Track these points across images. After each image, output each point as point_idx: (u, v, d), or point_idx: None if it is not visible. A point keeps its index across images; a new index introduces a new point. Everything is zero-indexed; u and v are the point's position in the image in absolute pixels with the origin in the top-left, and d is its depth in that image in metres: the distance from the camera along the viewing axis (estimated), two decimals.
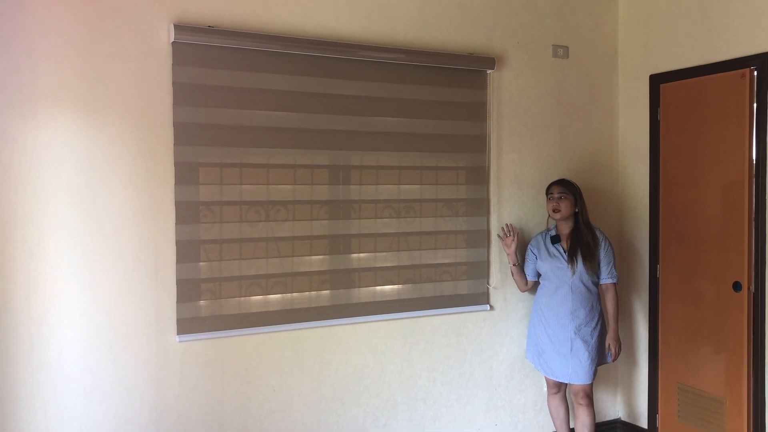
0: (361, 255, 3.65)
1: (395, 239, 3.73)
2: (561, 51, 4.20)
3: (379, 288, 3.70)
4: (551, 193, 3.80)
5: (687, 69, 3.98)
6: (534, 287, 3.99)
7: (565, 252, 3.77)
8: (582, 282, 3.73)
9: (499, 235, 3.98)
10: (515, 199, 4.08)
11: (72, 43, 2.98)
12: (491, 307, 4.02)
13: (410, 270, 3.78)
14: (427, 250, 3.82)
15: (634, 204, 4.34)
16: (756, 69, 3.60)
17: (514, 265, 3.92)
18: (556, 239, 3.81)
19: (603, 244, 3.79)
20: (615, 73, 4.43)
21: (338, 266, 3.59)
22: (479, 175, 3.96)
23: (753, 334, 3.65)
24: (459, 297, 3.92)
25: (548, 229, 3.92)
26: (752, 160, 3.63)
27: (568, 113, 4.25)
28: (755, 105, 3.61)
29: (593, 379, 3.76)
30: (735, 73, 3.69)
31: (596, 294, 3.80)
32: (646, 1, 4.25)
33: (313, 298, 3.52)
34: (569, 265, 3.73)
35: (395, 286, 3.74)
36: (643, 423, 4.32)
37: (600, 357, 3.79)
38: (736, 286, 3.70)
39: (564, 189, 3.77)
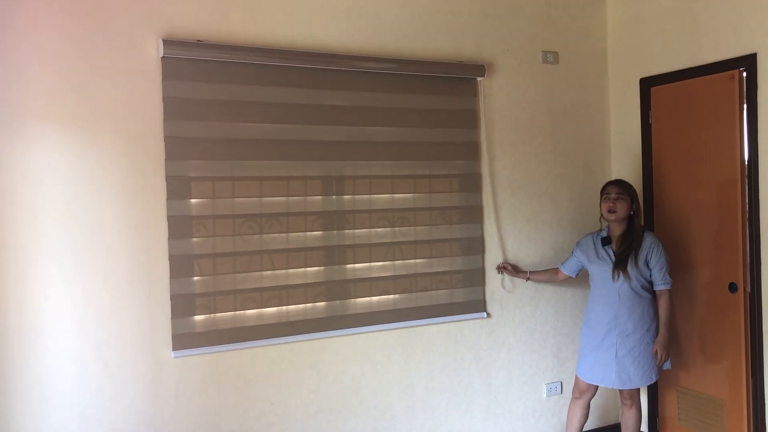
0: (356, 266, 3.64)
1: (390, 249, 3.72)
2: (550, 56, 4.22)
3: (375, 298, 3.69)
4: (607, 193, 3.70)
5: (677, 71, 3.99)
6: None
7: (613, 255, 3.69)
8: (631, 288, 3.61)
9: (502, 271, 4.03)
10: (509, 205, 4.08)
11: (60, 60, 2.98)
12: (488, 315, 4.01)
13: (406, 279, 3.77)
14: (422, 259, 3.81)
15: None
16: (745, 70, 3.61)
17: (527, 279, 4.04)
18: (606, 241, 3.73)
19: (655, 250, 3.62)
20: (605, 77, 4.44)
21: (333, 277, 3.58)
22: (472, 183, 3.96)
23: (750, 335, 3.65)
24: (455, 305, 3.91)
25: (600, 230, 3.85)
26: (744, 160, 3.63)
27: (559, 118, 4.25)
28: (745, 105, 3.62)
29: (647, 383, 3.67)
30: (724, 74, 3.70)
31: (649, 299, 3.65)
32: (634, 4, 4.27)
33: (309, 310, 3.51)
34: (614, 271, 3.64)
35: (391, 296, 3.73)
36: (644, 426, 4.30)
37: (654, 363, 3.66)
38: (732, 287, 3.70)
39: (621, 189, 3.68)
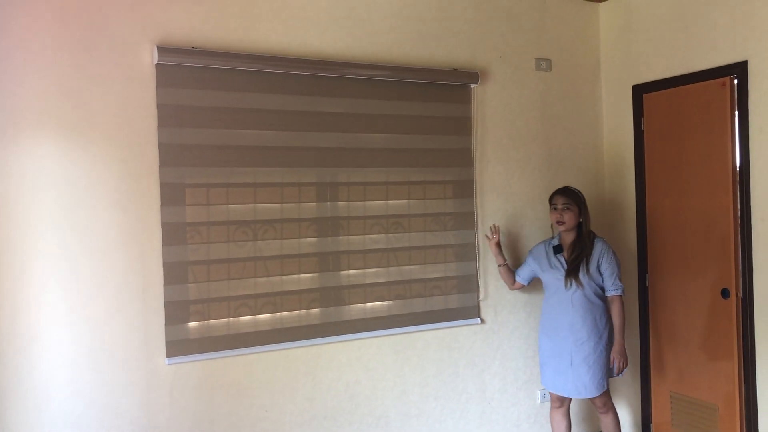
0: (351, 272, 3.64)
1: (384, 255, 3.73)
2: (544, 64, 4.24)
3: (369, 304, 3.69)
4: (554, 204, 3.71)
5: (669, 78, 4.02)
6: (526, 289, 4.03)
7: (565, 264, 3.70)
8: (583, 295, 3.63)
9: (486, 236, 3.96)
10: (502, 211, 4.09)
11: (55, 66, 2.98)
12: (482, 321, 4.02)
13: (400, 285, 3.77)
14: (416, 265, 3.82)
15: (621, 213, 4.37)
16: (736, 77, 3.64)
17: (499, 265, 3.92)
18: (558, 249, 3.74)
19: (605, 255, 3.66)
20: (598, 84, 4.47)
21: (327, 284, 3.58)
22: (466, 189, 3.97)
23: (743, 340, 3.66)
24: (449, 311, 3.91)
25: (552, 238, 3.86)
26: (735, 166, 3.66)
27: (552, 125, 4.27)
28: (736, 112, 3.65)
29: (601, 391, 3.65)
30: (716, 81, 3.73)
31: (602, 307, 3.67)
32: (626, 12, 4.30)
33: (303, 316, 3.51)
34: (566, 279, 3.65)
35: (385, 302, 3.73)
36: None
37: (608, 370, 3.68)
38: (725, 293, 3.72)
39: (568, 199, 3.67)
